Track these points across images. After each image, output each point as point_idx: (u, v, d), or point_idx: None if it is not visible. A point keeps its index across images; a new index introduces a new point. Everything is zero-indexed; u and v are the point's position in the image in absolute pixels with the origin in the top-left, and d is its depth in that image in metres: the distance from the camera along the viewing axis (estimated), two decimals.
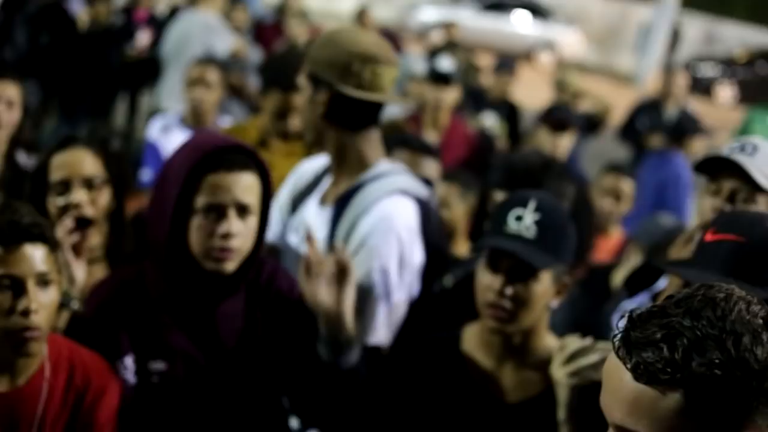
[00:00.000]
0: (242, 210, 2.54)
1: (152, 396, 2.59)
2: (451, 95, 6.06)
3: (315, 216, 3.09)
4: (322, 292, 2.68)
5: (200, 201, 2.52)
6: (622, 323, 1.42)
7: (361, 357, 2.73)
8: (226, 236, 2.52)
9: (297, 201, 3.22)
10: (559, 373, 2.51)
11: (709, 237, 2.34)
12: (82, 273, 2.83)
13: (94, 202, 2.98)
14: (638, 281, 2.86)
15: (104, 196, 3.01)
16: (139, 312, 2.62)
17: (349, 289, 2.69)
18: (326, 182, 3.14)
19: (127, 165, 4.12)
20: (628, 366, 1.38)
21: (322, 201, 3.10)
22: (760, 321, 1.39)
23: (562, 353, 2.52)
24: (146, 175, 5.21)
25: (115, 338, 2.59)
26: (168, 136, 5.40)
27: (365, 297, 2.90)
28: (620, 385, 1.38)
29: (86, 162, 3.01)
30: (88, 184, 2.98)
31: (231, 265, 2.56)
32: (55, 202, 2.96)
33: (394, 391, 2.68)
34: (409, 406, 2.65)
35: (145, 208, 4.11)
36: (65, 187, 2.98)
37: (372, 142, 3.07)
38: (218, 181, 2.52)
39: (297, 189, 3.24)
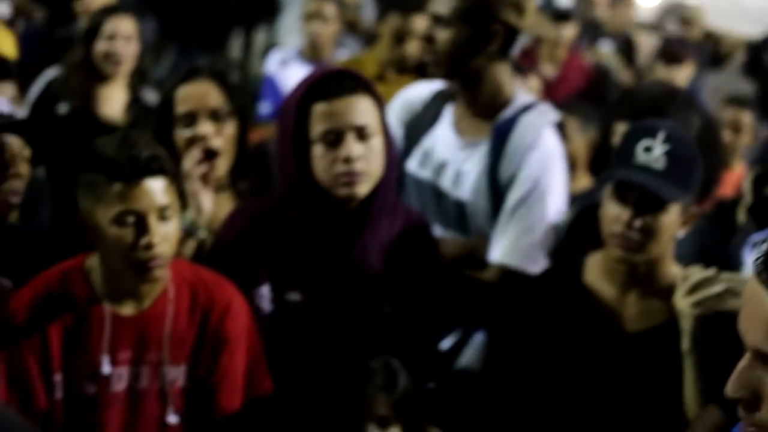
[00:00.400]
0: (360, 132, 2.55)
1: (287, 325, 2.64)
2: (569, 31, 6.08)
3: (453, 148, 3.04)
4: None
5: (316, 130, 2.55)
6: (764, 247, 1.39)
7: None
8: (348, 160, 2.53)
9: (412, 129, 3.18)
10: (683, 303, 2.49)
11: None
12: (209, 203, 2.87)
13: (219, 134, 3.01)
14: (764, 213, 2.81)
15: (229, 128, 3.04)
16: (277, 242, 2.65)
17: None
18: (449, 112, 3.12)
19: (248, 97, 4.17)
20: None
21: (460, 133, 3.07)
22: None
23: (686, 283, 2.50)
24: (265, 108, 5.26)
25: (252, 267, 2.64)
26: (286, 70, 5.44)
27: (537, 229, 2.92)
28: (759, 310, 1.36)
29: (211, 94, 3.02)
30: (214, 115, 3.00)
31: (362, 189, 2.57)
32: (182, 134, 2.98)
33: (518, 322, 2.69)
34: (532, 336, 2.66)
35: (265, 140, 4.17)
36: (191, 119, 2.99)
37: (509, 72, 3.06)
38: (330, 108, 2.54)
39: (409, 117, 3.20)
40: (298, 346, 2.66)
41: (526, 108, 3.01)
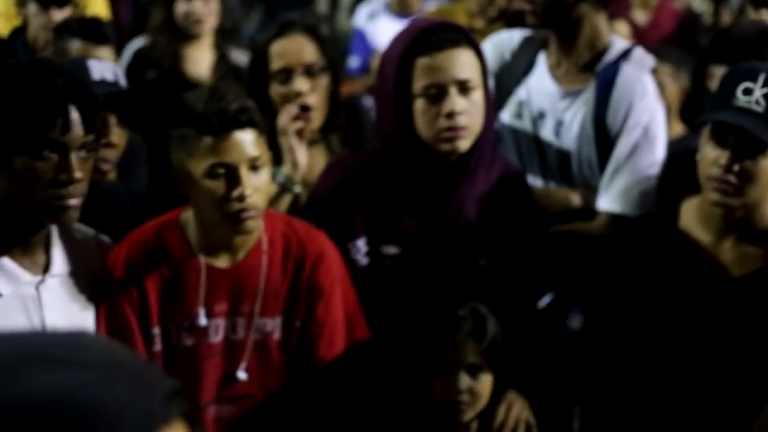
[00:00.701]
0: (462, 86, 2.53)
1: (383, 279, 2.65)
2: None
3: (553, 97, 3.00)
4: None
5: (418, 85, 2.53)
6: None
7: None
8: (451, 115, 2.51)
9: (503, 79, 3.13)
10: None
11: None
12: (304, 158, 2.89)
13: (314, 89, 3.00)
14: None
15: (323, 82, 3.04)
16: (374, 196, 2.66)
17: None
18: (542, 61, 3.07)
19: (337, 51, 4.17)
20: None
21: (558, 81, 3.02)
22: None
23: None
24: (354, 62, 5.25)
25: (349, 220, 2.65)
26: (374, 23, 5.43)
27: (648, 176, 2.90)
28: None
29: (306, 49, 3.02)
30: (309, 70, 3.00)
31: (464, 144, 2.56)
32: (278, 90, 2.99)
33: (617, 270, 2.68)
34: (628, 284, 2.64)
35: (355, 94, 4.17)
36: (287, 74, 2.99)
37: (605, 18, 3.03)
38: (432, 62, 2.52)
39: (499, 67, 3.13)
40: (393, 299, 2.66)
41: (625, 54, 2.97)
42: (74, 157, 2.12)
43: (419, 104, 2.54)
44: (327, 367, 2.53)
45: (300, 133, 2.90)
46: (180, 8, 4.21)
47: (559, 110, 2.98)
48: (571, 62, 3.01)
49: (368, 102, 4.29)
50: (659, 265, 2.60)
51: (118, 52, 4.03)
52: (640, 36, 5.50)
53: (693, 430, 2.57)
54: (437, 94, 2.52)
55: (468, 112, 2.53)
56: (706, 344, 2.54)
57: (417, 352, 2.54)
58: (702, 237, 2.58)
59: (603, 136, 2.93)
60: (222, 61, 4.29)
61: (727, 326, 2.52)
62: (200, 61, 4.20)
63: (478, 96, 2.56)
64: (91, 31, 3.89)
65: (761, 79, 2.43)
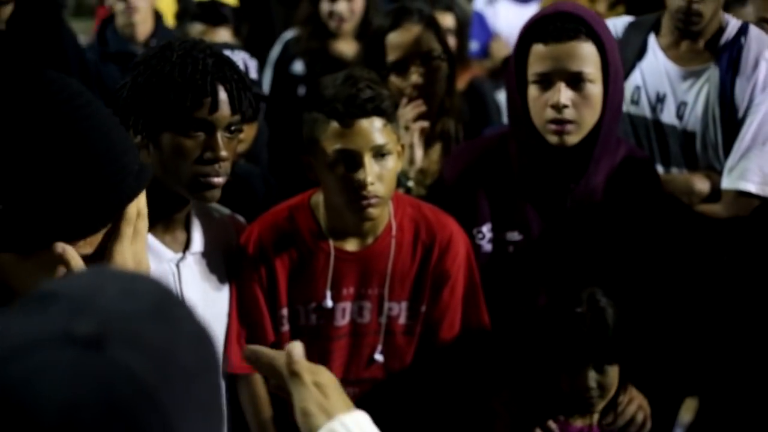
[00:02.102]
0: (574, 80, 2.48)
1: (506, 263, 2.64)
2: None
3: (673, 79, 2.95)
4: None
5: (531, 71, 2.52)
6: None
7: None
8: (556, 107, 2.48)
9: None
10: None
11: None
12: (420, 155, 2.91)
13: (432, 79, 2.99)
14: None
15: (442, 71, 3.02)
16: (499, 181, 2.65)
17: None
18: (653, 43, 3.00)
19: (463, 36, 4.15)
20: None
21: (677, 62, 2.97)
22: None
23: None
24: (474, 45, 5.24)
25: (474, 205, 2.65)
26: (494, 6, 5.40)
27: (764, 146, 2.84)
28: None
29: (423, 38, 3.00)
30: (426, 60, 2.99)
31: (571, 139, 2.51)
32: (395, 81, 2.97)
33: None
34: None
35: (477, 78, 4.16)
36: (404, 65, 2.98)
37: None
38: (545, 51, 2.49)
39: None
40: (517, 286, 2.65)
41: (743, 30, 2.90)
42: (220, 136, 2.16)
43: (531, 91, 2.52)
44: (447, 349, 2.54)
45: (422, 132, 2.90)
46: (324, 7, 4.24)
47: (681, 91, 2.93)
48: (689, 42, 2.95)
49: (490, 86, 4.28)
50: None
51: (237, 32, 4.10)
52: None
53: None
54: (546, 83, 2.49)
55: (577, 105, 2.49)
56: None
57: (541, 350, 2.51)
58: None
59: (730, 116, 2.87)
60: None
61: None
62: (344, 56, 4.21)
63: (593, 89, 2.50)
64: (210, 13, 3.97)
65: None
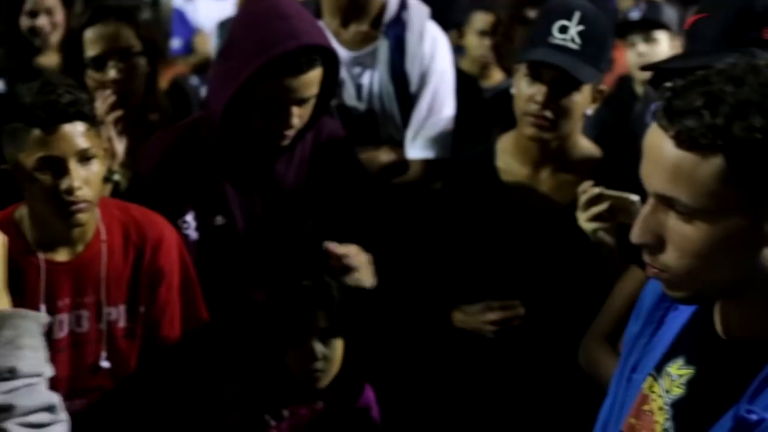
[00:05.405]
0: (303, 102, 2.57)
1: (214, 249, 2.67)
2: None
3: (345, 64, 3.03)
4: None
5: (262, 95, 2.54)
6: (665, 94, 1.39)
7: None
8: (287, 124, 2.57)
9: None
10: (580, 219, 2.43)
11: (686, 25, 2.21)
12: (122, 147, 2.89)
13: (130, 74, 2.99)
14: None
15: (141, 67, 3.02)
16: (196, 168, 2.67)
17: None
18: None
19: (159, 33, 4.12)
20: (670, 134, 1.36)
21: (346, 46, 3.07)
22: None
23: (580, 200, 2.43)
24: (176, 43, 5.21)
25: (175, 196, 2.66)
26: (193, 2, 5.39)
27: (439, 115, 3.02)
28: (661, 154, 1.38)
29: (121, 34, 3.00)
30: (124, 56, 2.99)
31: (288, 141, 2.62)
32: (93, 76, 2.97)
33: (436, 211, 2.78)
34: (451, 224, 2.72)
35: (180, 75, 4.14)
36: (101, 61, 2.98)
37: None
38: (282, 85, 2.52)
39: None
40: (229, 270, 2.70)
41: (402, 5, 3.06)
42: None
43: (260, 109, 2.56)
44: (169, 347, 2.57)
45: (117, 123, 2.89)
46: (24, 23, 4.07)
47: (355, 76, 3.05)
48: (357, 25, 3.08)
49: (195, 82, 4.27)
50: (480, 202, 2.68)
51: None
52: None
53: (518, 361, 2.67)
54: (279, 106, 2.55)
55: (301, 118, 2.59)
56: (529, 274, 2.64)
57: (266, 326, 2.57)
58: (519, 171, 2.68)
59: (403, 91, 3.03)
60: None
61: (548, 256, 2.62)
62: (51, 66, 4.07)
63: (312, 103, 2.59)
64: None
65: (576, 16, 2.51)
